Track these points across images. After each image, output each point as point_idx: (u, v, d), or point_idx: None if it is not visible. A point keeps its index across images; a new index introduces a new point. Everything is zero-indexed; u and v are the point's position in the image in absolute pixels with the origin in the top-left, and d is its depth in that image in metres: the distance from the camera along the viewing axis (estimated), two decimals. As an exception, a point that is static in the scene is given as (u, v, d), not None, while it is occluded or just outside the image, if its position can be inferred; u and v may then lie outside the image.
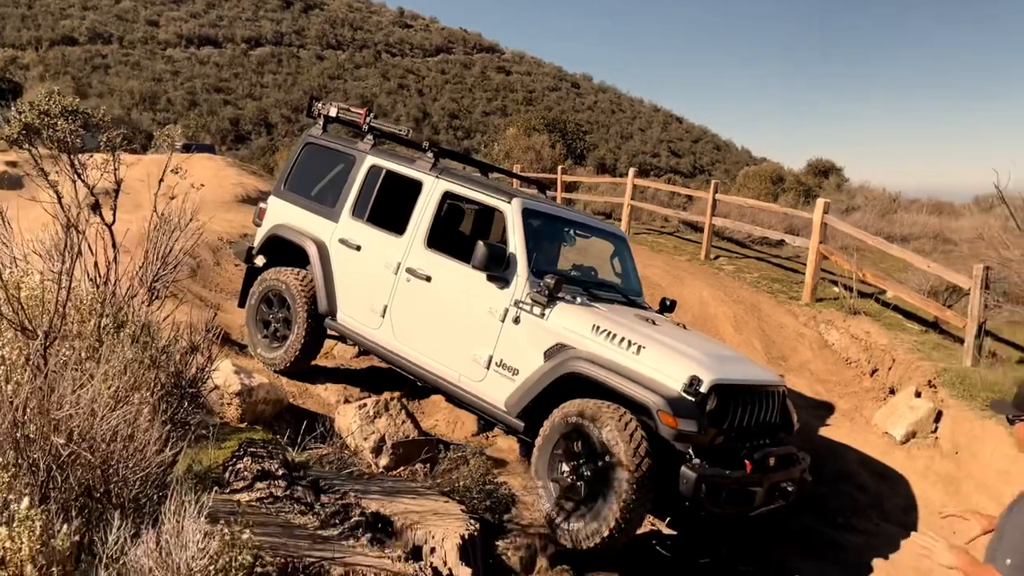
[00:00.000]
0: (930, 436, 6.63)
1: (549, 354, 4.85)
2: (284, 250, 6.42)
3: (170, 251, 2.93)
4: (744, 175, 26.35)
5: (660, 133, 69.09)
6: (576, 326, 4.86)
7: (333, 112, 6.65)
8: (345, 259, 6.05)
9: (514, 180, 10.07)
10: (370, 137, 6.32)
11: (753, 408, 4.80)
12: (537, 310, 4.97)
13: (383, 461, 5.21)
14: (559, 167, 18.82)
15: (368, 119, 6.44)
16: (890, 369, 7.97)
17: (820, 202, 10.47)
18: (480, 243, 5.09)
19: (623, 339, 4.66)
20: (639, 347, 4.60)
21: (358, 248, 5.98)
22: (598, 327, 4.78)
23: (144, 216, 3.45)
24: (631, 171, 15.20)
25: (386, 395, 5.49)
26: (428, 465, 5.05)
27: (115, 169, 2.98)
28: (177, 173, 3.11)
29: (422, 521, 2.93)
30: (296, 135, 48.47)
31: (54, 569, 1.85)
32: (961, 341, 8.02)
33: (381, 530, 2.81)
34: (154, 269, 2.90)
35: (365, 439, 5.21)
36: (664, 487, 4.36)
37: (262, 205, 6.78)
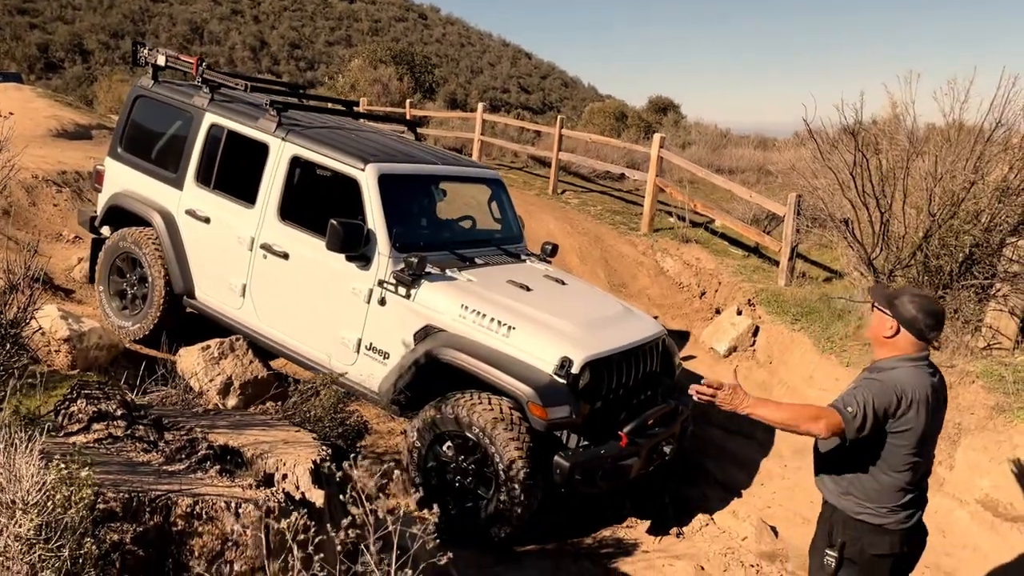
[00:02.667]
0: (749, 349, 7.34)
1: (419, 336, 4.60)
2: (130, 219, 5.85)
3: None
4: (589, 112, 27.05)
5: (510, 69, 69.06)
6: (445, 306, 4.60)
7: (161, 60, 6.00)
8: (195, 233, 5.52)
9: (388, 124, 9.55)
10: (207, 90, 5.66)
11: (631, 369, 4.70)
12: (403, 290, 4.67)
13: (231, 402, 5.11)
14: (407, 101, 18.49)
15: (201, 69, 5.81)
16: (716, 291, 8.69)
17: (656, 137, 11.02)
18: (333, 222, 4.60)
19: (493, 319, 4.45)
20: (509, 327, 4.41)
21: (207, 220, 5.46)
22: (467, 306, 4.54)
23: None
24: (480, 106, 15.22)
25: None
26: (279, 402, 5.03)
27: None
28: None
29: (272, 450, 2.96)
30: (117, 64, 44.25)
31: None
32: (778, 263, 8.85)
33: (231, 461, 2.82)
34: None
35: (211, 380, 5.08)
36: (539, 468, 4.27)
37: (99, 167, 6.14)
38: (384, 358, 4.75)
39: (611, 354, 4.52)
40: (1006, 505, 5.08)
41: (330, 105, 7.13)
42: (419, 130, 6.64)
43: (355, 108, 6.97)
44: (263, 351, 5.32)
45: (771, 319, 7.42)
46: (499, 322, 4.44)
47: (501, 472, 4.19)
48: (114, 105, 24.08)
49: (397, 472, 2.77)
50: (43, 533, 1.81)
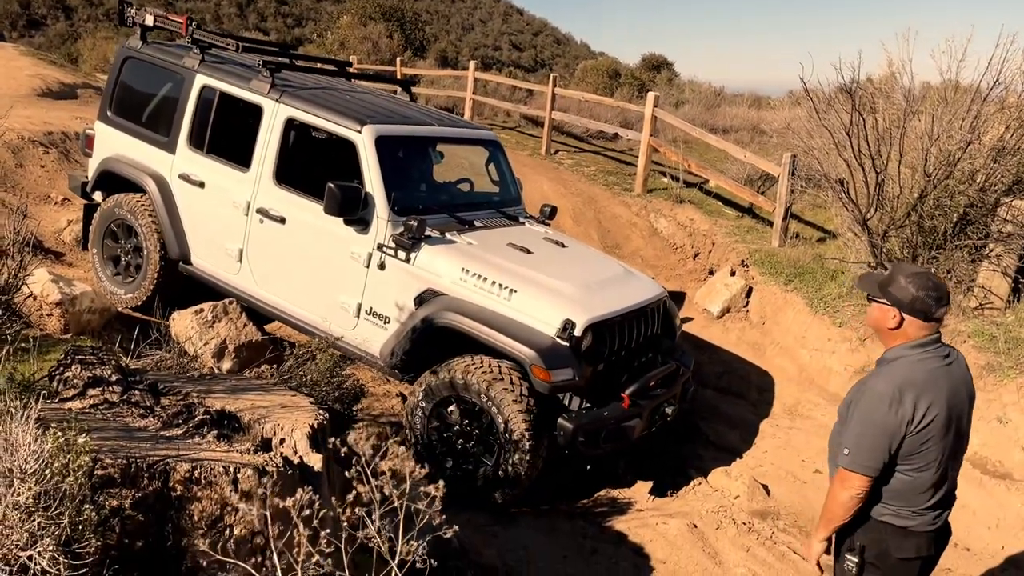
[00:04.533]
0: (742, 310, 7.37)
1: (420, 300, 4.56)
2: (122, 184, 5.73)
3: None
4: (582, 70, 26.71)
5: (501, 25, 67.90)
6: (445, 269, 4.55)
7: (150, 21, 5.81)
8: (190, 197, 5.42)
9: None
10: (197, 51, 5.51)
11: (632, 332, 4.68)
12: (402, 254, 4.60)
13: (226, 365, 5.11)
14: (398, 59, 18.21)
15: (191, 30, 5.65)
16: (710, 252, 8.69)
17: (651, 96, 10.89)
18: (330, 186, 4.50)
19: (494, 282, 4.42)
20: (511, 290, 4.38)
21: (201, 185, 5.35)
22: (467, 269, 4.50)
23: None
24: (472, 64, 15.00)
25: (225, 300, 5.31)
26: (275, 365, 5.02)
27: None
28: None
29: (270, 415, 2.96)
30: (101, 21, 43.31)
31: None
32: (771, 224, 8.84)
33: (228, 426, 2.81)
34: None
35: (205, 344, 5.06)
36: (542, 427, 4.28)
37: (88, 131, 5.99)
38: (384, 322, 4.72)
39: (613, 316, 4.50)
40: (995, 463, 5.16)
41: (321, 66, 6.98)
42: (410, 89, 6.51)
43: (348, 68, 6.79)
44: (257, 314, 5.30)
45: (764, 280, 7.43)
46: (500, 285, 4.41)
47: (504, 436, 4.19)
48: (99, 63, 23.60)
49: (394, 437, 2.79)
50: (41, 501, 1.80)
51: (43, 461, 1.75)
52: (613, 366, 4.60)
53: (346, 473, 2.17)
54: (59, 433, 1.86)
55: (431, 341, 4.50)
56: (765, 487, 4.98)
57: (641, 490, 4.90)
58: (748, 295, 7.43)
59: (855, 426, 2.57)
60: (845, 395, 2.75)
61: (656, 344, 5.06)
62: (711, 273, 8.29)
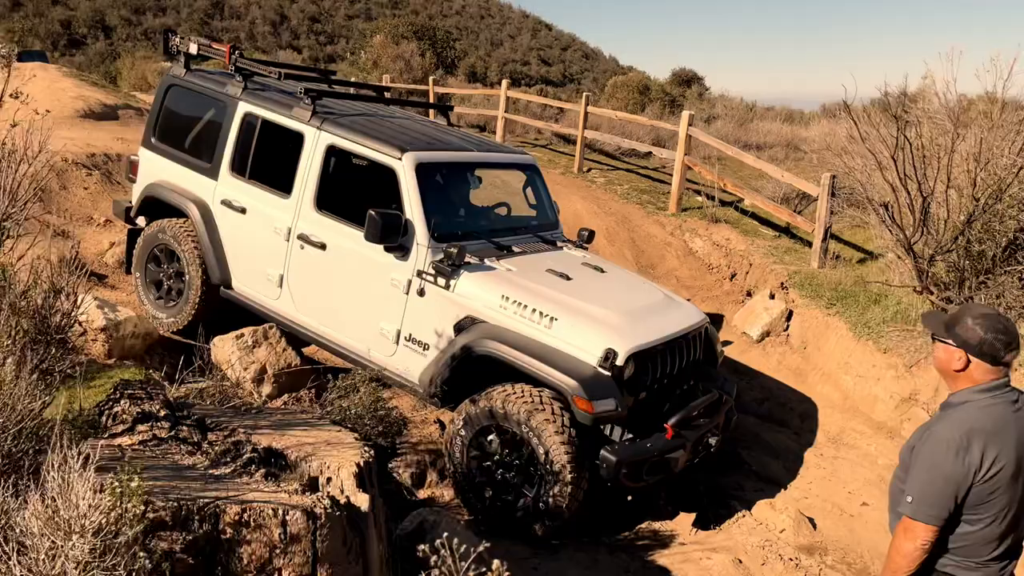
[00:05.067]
0: (782, 334, 7.24)
1: (459, 327, 4.53)
2: (165, 209, 5.80)
3: (19, 186, 2.67)
4: (612, 85, 26.66)
5: (530, 40, 68.23)
6: (484, 297, 4.52)
7: (193, 49, 5.90)
8: (231, 223, 5.47)
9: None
10: (239, 78, 5.59)
11: (675, 359, 4.62)
12: (442, 281, 4.58)
13: (266, 390, 5.13)
14: (430, 78, 18.33)
15: (234, 58, 5.71)
16: (747, 273, 8.57)
17: (685, 115, 10.82)
18: (371, 213, 4.50)
19: (534, 309, 4.38)
20: (551, 318, 4.33)
21: (243, 211, 5.39)
22: (507, 296, 4.46)
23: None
24: (504, 83, 15.05)
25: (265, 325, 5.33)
26: (314, 392, 5.03)
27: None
28: (18, 98, 2.79)
29: (316, 452, 2.94)
30: (139, 40, 44.30)
31: (-73, 537, 1.75)
32: (810, 244, 8.70)
33: (275, 464, 2.80)
34: (2, 207, 2.65)
35: (245, 369, 5.10)
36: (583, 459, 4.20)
37: (133, 158, 6.07)
38: (423, 349, 4.69)
39: (655, 344, 4.45)
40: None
41: (360, 92, 7.01)
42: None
43: (386, 94, 6.83)
44: (296, 339, 5.32)
45: (805, 303, 7.30)
46: (541, 313, 4.37)
47: (545, 467, 4.12)
48: (138, 82, 24.10)
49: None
50: (98, 553, 1.79)
51: (102, 514, 1.73)
52: (655, 395, 4.52)
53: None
54: (116, 484, 1.85)
55: (470, 369, 4.47)
56: (811, 520, 4.85)
57: (683, 522, 4.80)
58: (788, 318, 7.30)
59: (920, 473, 2.47)
60: (908, 439, 2.65)
61: (698, 371, 4.98)
62: (749, 295, 8.17)
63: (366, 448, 3.00)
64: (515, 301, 4.45)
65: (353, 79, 16.46)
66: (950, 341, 2.51)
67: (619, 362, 4.16)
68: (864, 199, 7.08)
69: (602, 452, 4.16)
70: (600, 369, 4.16)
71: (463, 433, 4.38)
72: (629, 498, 4.73)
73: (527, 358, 4.24)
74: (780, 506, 4.93)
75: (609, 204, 10.68)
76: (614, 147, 14.38)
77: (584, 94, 13.10)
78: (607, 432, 4.35)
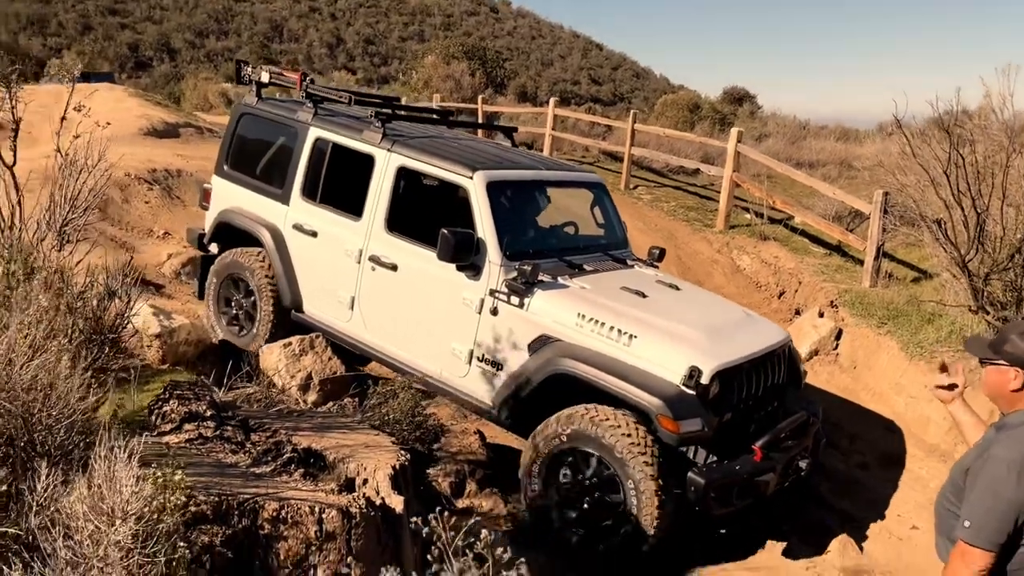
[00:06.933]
0: (831, 353, 7.09)
1: (533, 347, 4.42)
2: (237, 235, 5.90)
3: (79, 194, 2.82)
4: (662, 103, 26.58)
5: (580, 60, 68.63)
6: (560, 315, 4.41)
7: (265, 78, 6.01)
8: (303, 246, 5.51)
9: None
10: (310, 104, 5.65)
11: (759, 379, 4.47)
12: (515, 299, 4.50)
13: (311, 398, 5.24)
14: (479, 97, 18.57)
15: (304, 84, 5.81)
16: (796, 291, 8.43)
17: (734, 132, 10.75)
18: (444, 232, 4.46)
19: (612, 327, 4.25)
20: (630, 336, 4.20)
21: (314, 234, 5.43)
22: (583, 314, 4.35)
23: (44, 153, 3.29)
24: (552, 101, 15.16)
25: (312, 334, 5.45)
26: (357, 399, 5.12)
27: (12, 108, 2.81)
28: (80, 111, 2.96)
29: (354, 454, 3.01)
30: (201, 62, 45.94)
31: (-17, 518, 1.86)
32: (862, 263, 8.52)
33: (313, 465, 2.88)
34: (63, 213, 2.79)
35: (292, 377, 5.22)
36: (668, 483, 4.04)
37: (206, 186, 6.21)
38: (497, 369, 4.60)
39: (740, 362, 4.29)
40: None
41: (425, 115, 7.07)
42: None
43: (451, 117, 6.82)
44: (341, 349, 5.41)
45: (855, 322, 7.14)
46: (619, 330, 4.24)
47: (628, 491, 3.99)
48: (199, 102, 25.01)
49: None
50: (140, 539, 1.87)
51: (143, 502, 1.81)
52: (739, 417, 4.34)
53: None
54: (158, 475, 1.93)
55: (545, 389, 4.37)
56: (859, 543, 4.73)
57: (724, 542, 4.72)
58: (838, 337, 7.15)
59: (979, 497, 2.37)
60: (960, 459, 2.57)
61: (782, 392, 4.81)
62: (797, 313, 8.03)
63: (402, 452, 3.06)
64: (592, 319, 4.33)
65: (405, 99, 16.78)
66: (1001, 361, 2.43)
67: (704, 380, 4.00)
68: (917, 216, 6.91)
69: (689, 475, 4.01)
70: (684, 388, 4.01)
71: (539, 456, 4.27)
72: (723, 531, 4.52)
73: (607, 376, 4.11)
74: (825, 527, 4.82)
75: (655, 221, 10.64)
76: (662, 164, 14.34)
77: (631, 112, 13.11)
78: (690, 455, 4.22)
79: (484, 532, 1.56)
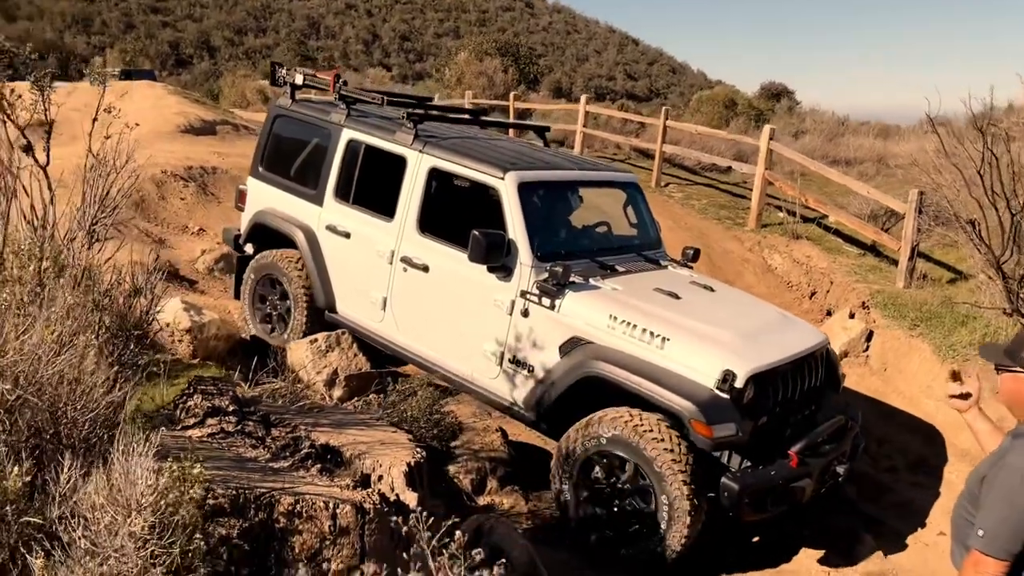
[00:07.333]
0: (862, 355, 6.98)
1: (564, 349, 4.40)
2: (272, 236, 5.98)
3: (107, 194, 2.91)
4: (698, 99, 26.37)
5: (616, 56, 68.23)
6: (591, 317, 4.37)
7: (299, 80, 6.04)
8: (336, 247, 5.55)
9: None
10: (343, 106, 5.68)
11: (796, 382, 4.38)
12: (547, 301, 4.47)
13: (337, 393, 5.33)
14: (511, 93, 18.58)
15: (338, 86, 5.82)
16: (828, 292, 8.31)
17: (766, 129, 10.62)
18: (475, 233, 4.46)
19: (645, 329, 4.19)
20: (663, 339, 4.14)
21: (347, 235, 5.46)
22: (615, 316, 4.30)
23: (83, 151, 3.39)
24: (583, 98, 15.13)
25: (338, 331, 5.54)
26: (382, 396, 5.19)
27: (45, 110, 2.92)
28: (110, 112, 3.05)
29: (370, 451, 3.06)
30: (240, 59, 46.65)
31: (7, 508, 1.93)
32: (896, 263, 8.37)
33: (330, 460, 2.93)
34: (92, 212, 2.89)
35: (318, 373, 5.31)
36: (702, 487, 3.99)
37: (242, 187, 6.31)
38: (528, 371, 4.58)
39: (776, 366, 4.21)
40: None
41: (457, 115, 7.07)
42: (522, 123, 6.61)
43: (483, 116, 6.81)
44: (367, 345, 5.48)
45: (887, 323, 7.02)
46: (652, 333, 4.18)
47: (660, 496, 3.95)
48: (237, 99, 25.43)
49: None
50: (156, 530, 1.93)
51: (158, 494, 1.88)
52: (775, 421, 4.26)
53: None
54: (175, 467, 2.00)
55: (576, 391, 4.35)
56: (884, 548, 4.66)
57: (758, 549, 4.69)
58: (868, 339, 7.04)
59: (994, 506, 2.32)
60: (977, 467, 2.53)
61: (819, 396, 4.72)
62: (829, 314, 7.92)
63: (418, 449, 3.10)
64: (624, 321, 4.29)
65: (438, 96, 16.84)
66: (1017, 368, 2.37)
67: (738, 384, 3.94)
68: (952, 217, 6.78)
69: (723, 480, 3.96)
70: (718, 392, 3.95)
71: (570, 459, 4.24)
72: (756, 539, 4.52)
73: (639, 379, 4.07)
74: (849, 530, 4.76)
75: (686, 219, 10.57)
76: (694, 162, 14.22)
77: (663, 108, 13.03)
78: (724, 460, 4.18)
79: (458, 534, 1.59)
